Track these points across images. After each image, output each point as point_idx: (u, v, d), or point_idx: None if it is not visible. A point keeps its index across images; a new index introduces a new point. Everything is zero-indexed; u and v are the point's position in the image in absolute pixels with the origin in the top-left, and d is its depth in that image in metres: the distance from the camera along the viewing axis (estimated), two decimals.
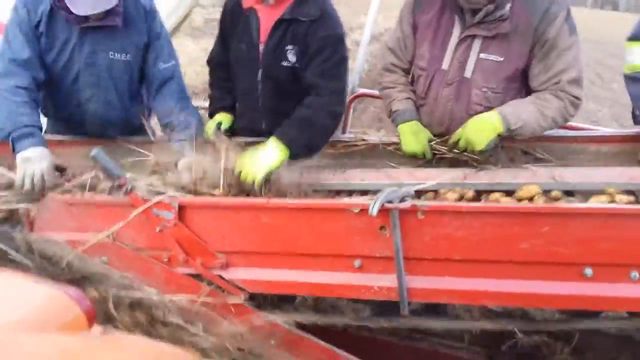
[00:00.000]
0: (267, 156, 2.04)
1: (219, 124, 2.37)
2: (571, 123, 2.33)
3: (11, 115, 2.18)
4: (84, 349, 0.78)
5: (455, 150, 2.13)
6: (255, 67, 2.30)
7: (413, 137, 2.21)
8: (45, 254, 1.93)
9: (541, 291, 1.68)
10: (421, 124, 2.25)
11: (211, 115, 2.49)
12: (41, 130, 2.27)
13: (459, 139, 2.10)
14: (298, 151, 2.09)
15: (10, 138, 2.14)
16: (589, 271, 1.63)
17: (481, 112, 2.11)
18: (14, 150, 2.11)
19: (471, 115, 2.12)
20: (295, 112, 2.17)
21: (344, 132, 3.29)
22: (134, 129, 2.53)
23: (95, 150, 1.87)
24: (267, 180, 2.02)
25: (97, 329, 0.91)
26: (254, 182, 1.99)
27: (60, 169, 2.20)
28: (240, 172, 2.02)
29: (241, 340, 1.90)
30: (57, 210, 1.98)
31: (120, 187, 1.83)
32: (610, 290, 1.64)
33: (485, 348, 2.38)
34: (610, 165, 2.10)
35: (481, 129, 2.04)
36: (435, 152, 2.21)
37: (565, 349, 2.24)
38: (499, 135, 2.04)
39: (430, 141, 2.21)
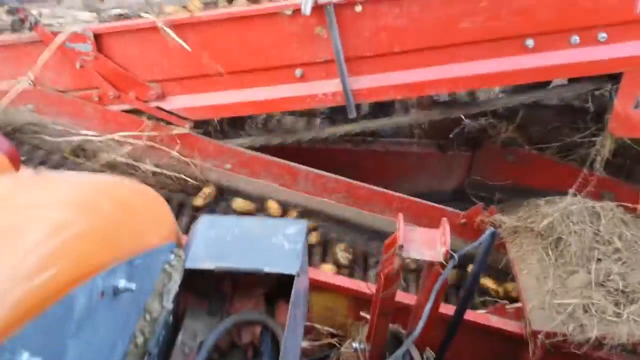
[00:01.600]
0: None
1: None
2: None
3: None
4: (8, 188, 0.72)
5: None
6: None
7: None
8: None
9: (485, 71, 1.65)
10: None
11: None
12: None
13: None
14: None
15: None
16: (530, 42, 1.60)
17: None
18: None
19: None
20: None
21: None
22: None
23: None
24: None
25: (27, 171, 0.84)
26: None
27: None
28: None
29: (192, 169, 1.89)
30: None
31: (22, 21, 1.61)
32: (553, 59, 1.62)
33: (434, 139, 2.45)
34: None
35: None
36: None
37: (510, 126, 2.33)
38: None
39: None
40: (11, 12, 1.61)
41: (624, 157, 2.20)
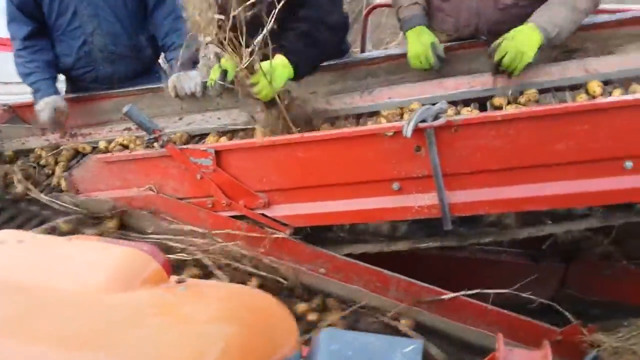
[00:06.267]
0: (279, 71, 1.90)
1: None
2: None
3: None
4: (172, 299, 0.83)
5: (500, 68, 1.97)
6: None
7: (417, 40, 2.10)
8: (93, 212, 2.00)
9: (582, 190, 1.69)
10: (442, 28, 2.17)
11: None
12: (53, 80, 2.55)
13: (504, 54, 1.92)
14: (304, 67, 2.01)
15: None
16: (629, 164, 1.63)
17: (509, 5, 2.03)
18: None
19: (500, 10, 2.04)
20: (294, 26, 2.02)
21: (362, 50, 3.22)
22: (145, 66, 2.63)
23: (127, 107, 1.89)
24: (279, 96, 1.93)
25: (175, 280, 0.97)
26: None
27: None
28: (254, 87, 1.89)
29: (292, 272, 1.99)
30: (97, 170, 2.03)
31: (156, 140, 1.86)
32: None
33: (526, 249, 2.43)
34: None
35: (529, 38, 1.88)
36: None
37: (605, 240, 2.29)
38: (539, 48, 1.92)
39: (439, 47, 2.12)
40: (147, 131, 1.86)
41: None
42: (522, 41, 1.88)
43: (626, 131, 1.61)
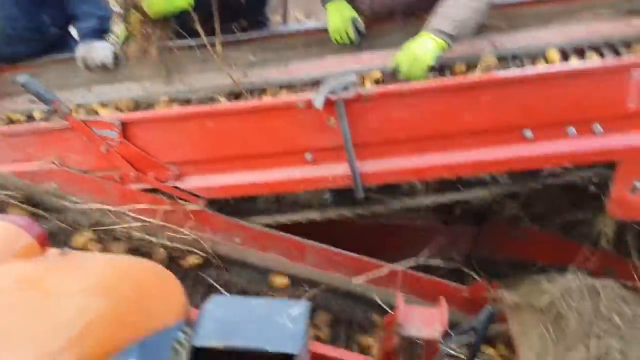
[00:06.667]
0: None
1: None
2: None
3: None
4: (40, 273, 0.80)
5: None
6: None
7: (338, 14, 2.09)
8: None
9: (486, 158, 1.75)
10: (360, 9, 2.15)
11: None
12: None
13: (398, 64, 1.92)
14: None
15: None
16: (528, 133, 1.70)
17: None
18: None
19: None
20: None
21: (284, 21, 3.18)
22: (53, 43, 2.45)
23: (23, 77, 1.77)
24: None
25: (54, 251, 0.93)
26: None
27: None
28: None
29: (208, 243, 1.98)
30: None
31: (55, 111, 1.77)
32: (550, 148, 1.72)
33: (440, 214, 2.52)
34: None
35: (422, 46, 1.87)
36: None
37: (514, 204, 2.40)
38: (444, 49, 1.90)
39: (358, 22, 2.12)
40: (45, 102, 1.76)
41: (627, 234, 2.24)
42: (415, 49, 1.86)
43: (525, 102, 1.67)
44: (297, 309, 0.93)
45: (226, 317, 0.91)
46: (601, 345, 1.60)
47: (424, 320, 1.26)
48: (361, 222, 2.48)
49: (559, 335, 1.68)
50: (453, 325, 1.37)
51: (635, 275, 1.99)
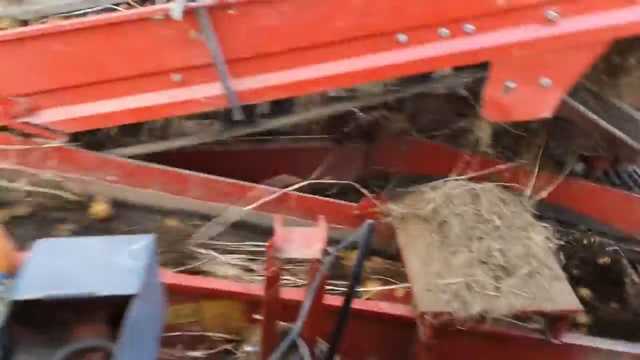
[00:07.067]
0: None
1: None
2: None
3: None
4: None
5: None
6: None
7: None
8: None
9: (361, 67, 1.68)
10: None
11: None
12: None
13: None
14: None
15: None
16: (402, 37, 1.64)
17: None
18: None
19: None
20: None
21: None
22: None
23: None
24: None
25: None
26: None
27: None
28: None
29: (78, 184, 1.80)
30: None
31: None
32: (425, 51, 1.66)
33: (331, 134, 2.47)
34: None
35: None
36: None
37: (400, 117, 2.40)
38: None
39: None
40: None
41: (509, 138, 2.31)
42: None
43: (395, 4, 1.59)
44: (140, 243, 0.82)
45: (54, 263, 0.79)
46: (482, 246, 1.66)
47: (303, 242, 1.21)
48: (253, 149, 2.39)
49: (443, 241, 1.71)
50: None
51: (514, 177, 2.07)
